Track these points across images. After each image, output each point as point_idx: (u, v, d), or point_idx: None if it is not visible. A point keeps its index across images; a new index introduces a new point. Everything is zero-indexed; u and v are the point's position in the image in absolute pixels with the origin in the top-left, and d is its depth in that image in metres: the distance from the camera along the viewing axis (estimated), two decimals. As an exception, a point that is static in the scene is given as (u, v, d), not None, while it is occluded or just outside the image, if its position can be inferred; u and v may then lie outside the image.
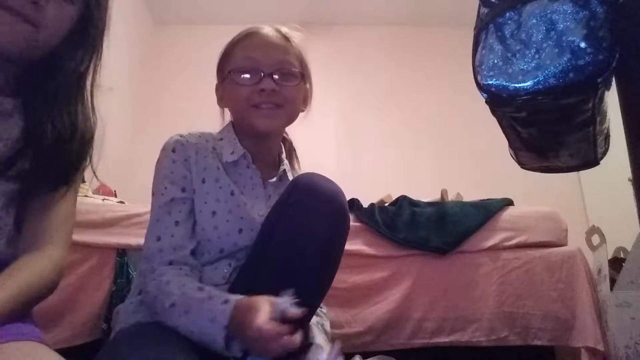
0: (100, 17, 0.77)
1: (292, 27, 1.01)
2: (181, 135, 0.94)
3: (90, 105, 0.78)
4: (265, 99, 0.91)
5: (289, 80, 0.94)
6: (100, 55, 0.78)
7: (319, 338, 0.87)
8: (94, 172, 0.79)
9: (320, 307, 0.97)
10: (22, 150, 0.68)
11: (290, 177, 1.00)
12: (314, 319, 0.92)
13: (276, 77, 0.92)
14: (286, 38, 0.98)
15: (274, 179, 0.98)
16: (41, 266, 0.68)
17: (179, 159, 0.91)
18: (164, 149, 0.93)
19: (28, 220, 0.71)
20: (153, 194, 0.90)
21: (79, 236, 1.47)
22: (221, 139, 0.98)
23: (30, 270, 0.66)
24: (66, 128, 0.71)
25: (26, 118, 0.70)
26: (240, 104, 0.94)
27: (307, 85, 1.02)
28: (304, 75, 0.98)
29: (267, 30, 0.97)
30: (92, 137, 0.77)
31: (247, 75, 0.93)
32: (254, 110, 0.92)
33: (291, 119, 0.99)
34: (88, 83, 0.77)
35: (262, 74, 0.92)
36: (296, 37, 1.00)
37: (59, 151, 0.70)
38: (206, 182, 0.91)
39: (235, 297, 0.73)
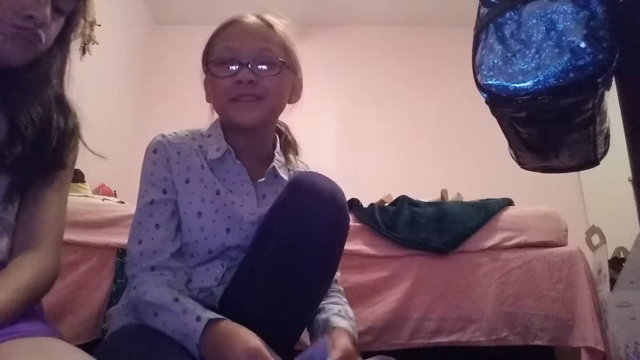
0: (78, 21, 0.79)
1: (276, 14, 0.96)
2: (163, 136, 0.92)
3: (65, 97, 0.79)
4: (243, 91, 0.87)
5: (269, 69, 0.89)
6: (69, 49, 0.80)
7: (342, 323, 0.84)
8: (85, 145, 0.82)
9: (340, 297, 0.95)
10: (8, 143, 0.69)
11: (283, 173, 0.96)
12: (335, 308, 0.89)
13: (255, 66, 0.87)
14: (269, 25, 0.92)
15: (263, 179, 0.94)
16: (40, 265, 0.69)
17: (160, 160, 0.89)
18: (146, 150, 0.91)
19: (21, 218, 0.72)
20: (138, 197, 0.89)
21: (79, 236, 1.47)
22: (209, 136, 0.95)
23: (30, 270, 0.67)
24: (42, 119, 0.72)
25: (6, 113, 0.71)
26: (220, 98, 0.90)
27: (297, 75, 0.97)
28: (287, 64, 0.92)
29: (249, 18, 0.92)
30: (70, 127, 0.78)
31: (225, 67, 0.88)
32: (232, 103, 0.88)
33: (275, 110, 0.95)
34: (60, 77, 0.79)
35: (240, 65, 0.87)
36: (281, 24, 0.94)
37: (39, 142, 0.71)
38: (190, 182, 0.88)
39: (208, 316, 0.72)
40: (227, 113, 0.91)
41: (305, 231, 0.78)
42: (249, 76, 0.86)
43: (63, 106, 0.78)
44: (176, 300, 0.75)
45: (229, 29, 0.92)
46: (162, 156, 0.89)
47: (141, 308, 0.78)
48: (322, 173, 0.87)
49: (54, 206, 0.76)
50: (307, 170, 1.04)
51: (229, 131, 0.95)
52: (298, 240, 0.78)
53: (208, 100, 0.98)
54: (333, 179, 0.85)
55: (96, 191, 2.16)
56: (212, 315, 0.73)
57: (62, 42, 0.76)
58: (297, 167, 1.04)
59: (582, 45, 0.63)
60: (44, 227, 0.73)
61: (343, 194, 0.83)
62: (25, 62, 0.70)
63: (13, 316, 0.60)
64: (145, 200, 0.87)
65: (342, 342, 0.77)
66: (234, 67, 0.88)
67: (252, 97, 0.88)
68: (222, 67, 0.89)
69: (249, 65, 0.87)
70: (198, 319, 0.72)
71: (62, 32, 0.75)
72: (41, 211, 0.73)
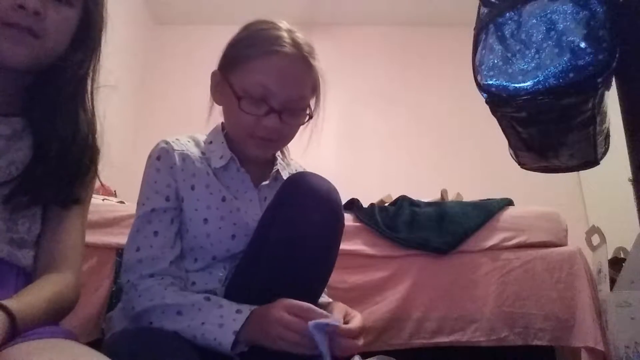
0: (98, 16, 0.77)
1: (311, 44, 0.91)
2: (167, 142, 0.91)
3: (91, 108, 0.78)
4: (265, 135, 0.86)
5: (296, 118, 0.89)
6: (99, 55, 0.78)
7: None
8: (99, 177, 0.81)
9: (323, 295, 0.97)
10: (32, 167, 0.69)
11: (285, 175, 0.98)
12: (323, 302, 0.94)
13: (283, 114, 0.85)
14: (307, 65, 0.88)
15: (267, 182, 0.95)
16: (60, 286, 0.69)
17: (163, 167, 0.88)
18: (149, 157, 0.90)
19: (43, 240, 0.72)
20: (137, 204, 0.88)
21: (79, 236, 1.47)
22: (210, 142, 0.95)
23: (51, 288, 0.67)
24: (68, 135, 0.71)
25: (33, 133, 0.71)
26: (239, 128, 0.89)
27: (318, 103, 0.96)
28: (312, 116, 0.93)
29: (288, 48, 0.85)
30: (95, 141, 0.78)
31: (255, 104, 0.84)
32: (249, 138, 0.88)
33: (285, 145, 1.00)
34: (88, 85, 0.77)
35: (271, 110, 0.84)
36: (317, 60, 0.91)
37: (62, 159, 0.71)
38: (196, 188, 0.88)
39: (250, 308, 0.76)
40: (240, 141, 0.91)
41: (301, 231, 0.79)
42: (276, 124, 0.85)
43: (88, 118, 0.76)
44: (207, 299, 0.78)
45: (268, 61, 0.85)
46: (166, 163, 0.88)
47: (156, 312, 0.78)
48: (320, 173, 0.88)
49: (75, 228, 0.76)
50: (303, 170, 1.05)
51: (232, 138, 0.95)
52: (295, 240, 0.79)
53: (217, 102, 0.95)
54: (333, 179, 0.86)
55: (96, 191, 2.16)
56: (252, 307, 0.76)
57: (84, 44, 0.73)
58: (294, 170, 1.05)
59: (582, 45, 0.63)
60: (65, 251, 0.73)
61: (337, 193, 0.84)
62: (25, 64, 0.67)
63: (31, 330, 0.60)
64: (145, 209, 0.86)
65: (339, 305, 0.85)
66: (262, 108, 0.84)
67: (272, 141, 0.89)
68: (252, 103, 0.84)
69: (279, 114, 0.85)
70: (238, 311, 0.75)
71: (82, 31, 0.72)
72: (64, 232, 0.74)
